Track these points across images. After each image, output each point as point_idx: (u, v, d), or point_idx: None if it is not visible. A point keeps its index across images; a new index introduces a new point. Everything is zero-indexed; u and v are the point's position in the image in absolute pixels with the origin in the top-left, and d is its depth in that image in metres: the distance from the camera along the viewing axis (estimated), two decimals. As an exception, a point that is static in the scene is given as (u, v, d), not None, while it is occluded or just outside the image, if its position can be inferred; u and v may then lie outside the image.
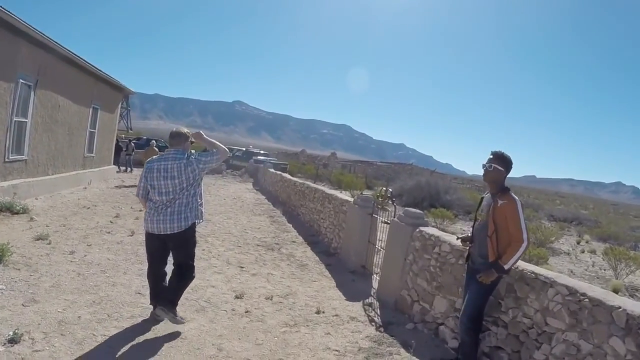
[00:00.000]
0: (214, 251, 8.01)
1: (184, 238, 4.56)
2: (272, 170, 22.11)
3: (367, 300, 6.30)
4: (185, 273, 4.70)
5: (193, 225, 4.63)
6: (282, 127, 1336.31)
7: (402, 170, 55.12)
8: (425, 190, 25.11)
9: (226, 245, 8.65)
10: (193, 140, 4.75)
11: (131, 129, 57.68)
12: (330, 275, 7.42)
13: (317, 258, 8.53)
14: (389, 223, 6.82)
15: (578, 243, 19.04)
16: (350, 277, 7.41)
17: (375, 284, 6.96)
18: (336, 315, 5.58)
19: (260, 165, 26.18)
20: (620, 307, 3.21)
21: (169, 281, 4.72)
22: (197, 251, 5.15)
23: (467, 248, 4.45)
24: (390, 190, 7.31)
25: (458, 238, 4.81)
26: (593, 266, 13.24)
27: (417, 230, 5.83)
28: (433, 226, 6.82)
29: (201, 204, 4.77)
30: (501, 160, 4.09)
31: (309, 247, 9.41)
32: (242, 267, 7.20)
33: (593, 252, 16.53)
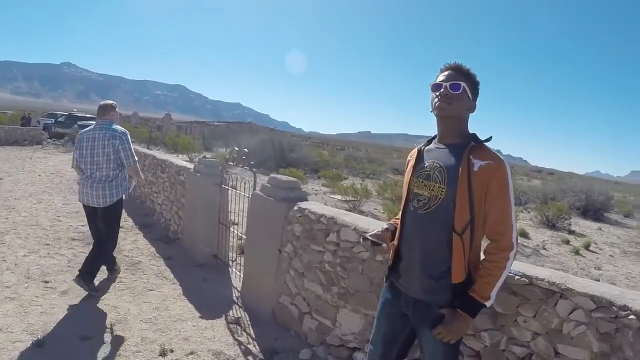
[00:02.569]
0: (10, 258, 5.29)
1: (109, 212, 4.69)
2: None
3: (231, 313, 4.34)
4: (103, 247, 4.74)
5: (119, 201, 4.76)
6: (114, 89, 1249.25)
7: (240, 129, 53.23)
8: (270, 149, 23.47)
9: (29, 244, 5.87)
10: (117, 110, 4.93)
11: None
12: (173, 276, 5.22)
13: (153, 249, 6.21)
14: (233, 192, 4.92)
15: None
16: (201, 275, 5.32)
17: (236, 282, 5.05)
18: (192, 353, 3.52)
19: (85, 131, 22.10)
20: None
21: (88, 254, 4.69)
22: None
23: (387, 253, 2.34)
24: (246, 150, 5.31)
25: (365, 238, 2.25)
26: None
27: (296, 207, 3.96)
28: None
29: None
30: (471, 81, 2.09)
31: (142, 234, 6.98)
32: (48, 282, 4.66)
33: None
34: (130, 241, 6.56)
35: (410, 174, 2.17)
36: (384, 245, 2.20)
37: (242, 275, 4.84)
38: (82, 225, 7.13)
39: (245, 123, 56.49)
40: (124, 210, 8.43)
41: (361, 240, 2.34)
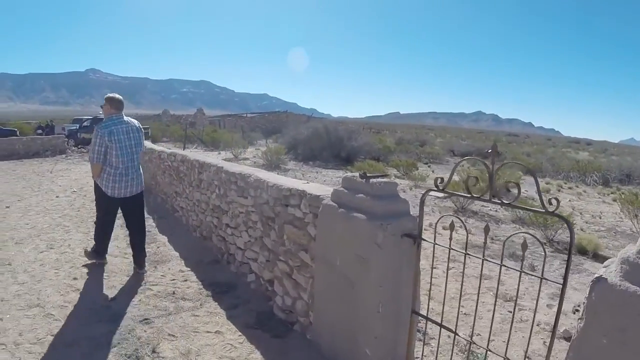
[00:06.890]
0: None
1: (142, 198, 5.04)
2: (125, 139, 15.60)
3: None
4: (143, 229, 5.11)
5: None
6: (141, 91, 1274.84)
7: (276, 119, 50.79)
8: (325, 138, 20.52)
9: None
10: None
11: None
12: None
13: (258, 355, 3.32)
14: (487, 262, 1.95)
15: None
16: None
17: None
18: None
19: (113, 135, 19.45)
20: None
21: (133, 244, 5.02)
22: None
23: None
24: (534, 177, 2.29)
25: None
26: (581, 214, 10.45)
27: None
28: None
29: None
30: None
31: (222, 311, 4.06)
32: None
33: (547, 191, 13.89)
34: (208, 337, 3.63)
35: None
36: None
37: None
38: (113, 298, 4.31)
39: (281, 113, 53.90)
40: (177, 251, 5.79)
41: None
